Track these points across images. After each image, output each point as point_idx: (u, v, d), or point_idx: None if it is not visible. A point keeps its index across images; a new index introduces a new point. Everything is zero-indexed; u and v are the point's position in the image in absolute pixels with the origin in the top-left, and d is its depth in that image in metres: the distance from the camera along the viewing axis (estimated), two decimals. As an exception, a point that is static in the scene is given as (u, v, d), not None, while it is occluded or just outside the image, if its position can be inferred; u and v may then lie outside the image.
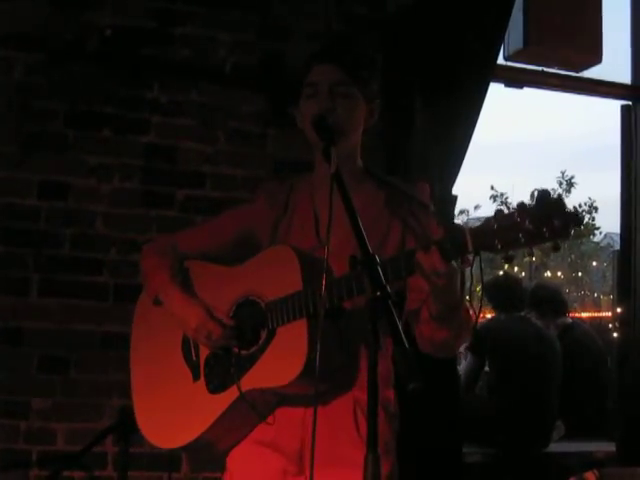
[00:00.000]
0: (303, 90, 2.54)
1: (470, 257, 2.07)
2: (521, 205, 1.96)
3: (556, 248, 1.96)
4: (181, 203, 4.36)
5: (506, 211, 1.99)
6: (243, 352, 2.47)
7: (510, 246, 1.97)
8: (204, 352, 2.57)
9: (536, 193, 1.94)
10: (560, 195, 1.86)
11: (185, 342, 2.63)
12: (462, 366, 5.80)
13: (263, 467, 2.50)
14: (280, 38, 4.52)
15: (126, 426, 3.21)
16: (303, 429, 2.45)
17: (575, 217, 1.90)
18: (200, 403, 2.53)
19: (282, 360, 2.36)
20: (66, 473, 3.94)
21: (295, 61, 4.48)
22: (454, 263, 2.11)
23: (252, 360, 2.44)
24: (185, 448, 2.59)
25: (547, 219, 1.90)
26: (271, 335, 2.42)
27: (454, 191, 4.63)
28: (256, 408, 2.45)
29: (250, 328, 2.47)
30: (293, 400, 2.45)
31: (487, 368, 5.76)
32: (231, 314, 2.52)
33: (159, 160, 4.36)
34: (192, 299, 2.57)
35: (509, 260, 2.01)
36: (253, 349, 2.45)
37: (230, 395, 2.46)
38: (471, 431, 5.10)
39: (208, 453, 2.64)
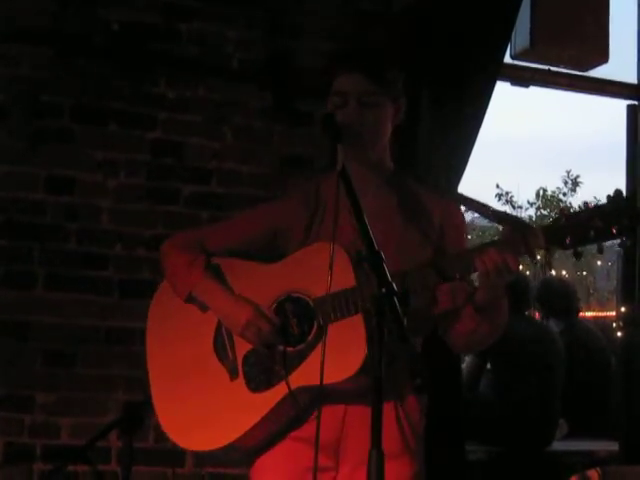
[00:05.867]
0: (329, 97, 2.54)
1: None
2: (591, 204, 2.15)
3: (578, 255, 2.19)
4: (187, 199, 4.37)
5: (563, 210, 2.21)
6: (289, 349, 2.46)
7: (580, 242, 2.17)
8: (241, 350, 2.54)
9: (611, 193, 2.12)
10: (633, 195, 2.03)
11: (218, 340, 2.59)
12: (463, 366, 5.79)
13: (295, 463, 2.49)
14: (287, 35, 4.52)
15: (130, 421, 3.21)
16: (343, 424, 2.48)
17: None
18: (240, 402, 2.50)
19: (337, 357, 2.33)
20: (70, 467, 3.94)
21: (302, 58, 4.49)
22: None
23: (300, 357, 2.44)
24: (225, 448, 2.53)
25: (617, 217, 2.09)
26: (322, 331, 2.40)
27: (459, 189, 4.64)
28: (301, 406, 2.46)
29: (296, 325, 2.48)
30: (336, 396, 2.44)
31: (488, 366, 5.75)
32: (273, 311, 2.52)
33: (165, 156, 4.37)
34: (237, 296, 2.54)
35: (578, 256, 2.20)
36: (301, 346, 2.45)
37: (276, 393, 2.44)
38: (474, 429, 5.10)
39: (240, 452, 2.59)
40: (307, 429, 2.47)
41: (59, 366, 4.17)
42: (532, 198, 26.04)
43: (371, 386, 2.22)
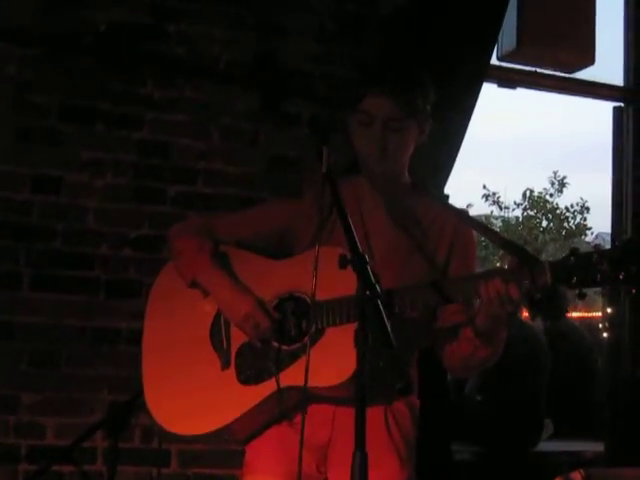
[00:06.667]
0: (355, 114, 2.52)
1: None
2: (600, 248, 2.12)
3: (582, 296, 2.13)
4: (173, 199, 4.36)
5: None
6: (284, 347, 2.46)
7: (585, 284, 2.13)
8: (236, 341, 2.54)
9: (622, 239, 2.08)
10: None
11: (215, 328, 2.59)
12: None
13: (288, 451, 2.45)
14: (274, 36, 4.52)
15: (116, 421, 3.21)
16: (332, 428, 2.50)
17: None
18: (228, 392, 2.50)
19: (329, 362, 2.33)
20: (55, 468, 3.94)
21: (289, 59, 4.49)
22: None
23: (293, 357, 2.44)
24: (206, 436, 2.55)
25: (625, 264, 2.06)
26: (318, 335, 2.40)
27: (446, 190, 4.65)
28: (286, 405, 2.45)
29: (293, 324, 2.49)
30: (324, 400, 2.45)
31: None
32: (273, 307, 2.52)
33: (152, 156, 4.36)
34: (240, 287, 2.54)
35: (582, 297, 2.15)
36: (295, 346, 2.45)
37: (264, 389, 2.45)
38: (460, 430, 5.11)
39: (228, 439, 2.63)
40: (298, 429, 2.46)
41: (45, 366, 4.16)
42: (519, 199, 26.11)
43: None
